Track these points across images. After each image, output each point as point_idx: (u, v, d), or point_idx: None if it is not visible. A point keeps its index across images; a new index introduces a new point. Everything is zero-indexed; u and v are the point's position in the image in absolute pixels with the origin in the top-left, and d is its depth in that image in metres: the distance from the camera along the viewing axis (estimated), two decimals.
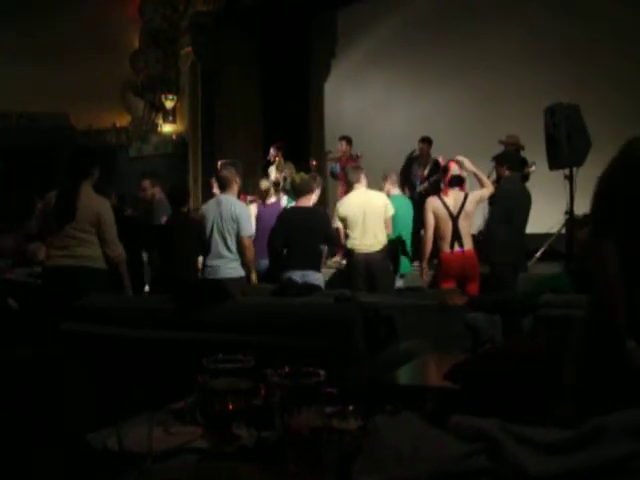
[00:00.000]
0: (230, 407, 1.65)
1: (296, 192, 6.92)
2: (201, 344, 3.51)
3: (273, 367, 1.58)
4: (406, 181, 9.91)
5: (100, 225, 5.46)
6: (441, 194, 6.77)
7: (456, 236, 6.57)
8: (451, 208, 6.61)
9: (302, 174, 8.80)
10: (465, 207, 6.60)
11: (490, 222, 7.33)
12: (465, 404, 2.11)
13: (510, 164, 7.30)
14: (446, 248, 6.63)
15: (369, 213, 6.93)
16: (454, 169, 6.82)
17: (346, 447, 1.37)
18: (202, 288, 4.19)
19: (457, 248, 6.58)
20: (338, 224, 7.13)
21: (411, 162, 10.09)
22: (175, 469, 1.54)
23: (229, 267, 6.47)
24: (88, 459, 1.63)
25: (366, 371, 3.20)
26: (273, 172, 10.71)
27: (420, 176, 9.91)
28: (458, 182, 6.77)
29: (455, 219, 6.58)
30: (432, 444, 0.88)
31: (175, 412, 1.85)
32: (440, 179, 9.40)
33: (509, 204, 6.95)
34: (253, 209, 7.86)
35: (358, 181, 7.09)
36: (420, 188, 9.82)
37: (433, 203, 6.73)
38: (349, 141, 10.55)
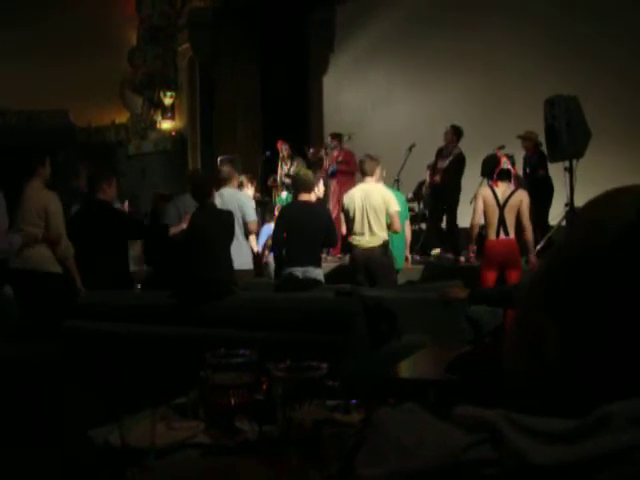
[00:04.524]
0: (232, 401, 1.65)
1: (296, 187, 6.87)
2: (203, 339, 3.51)
3: (275, 361, 1.57)
4: (433, 174, 9.74)
5: (47, 218, 5.38)
6: (492, 184, 6.91)
7: (502, 224, 6.76)
8: (500, 198, 6.78)
9: (304, 169, 8.80)
10: (511, 200, 6.76)
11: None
12: (467, 396, 2.10)
13: (483, 173, 7.41)
14: (492, 235, 6.82)
15: (368, 208, 6.84)
16: (504, 163, 6.94)
17: (348, 440, 1.37)
18: (203, 284, 4.19)
19: (502, 236, 6.77)
20: (342, 216, 7.18)
21: (439, 154, 9.81)
22: (178, 464, 1.54)
23: (241, 258, 6.47)
24: (90, 455, 1.63)
25: (368, 365, 3.20)
26: (280, 168, 10.77)
27: (439, 167, 9.55)
28: (507, 176, 6.92)
29: (502, 208, 6.75)
30: (435, 435, 0.88)
31: (177, 407, 1.85)
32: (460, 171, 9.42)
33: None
34: None
35: (371, 174, 7.01)
36: (433, 179, 9.61)
37: (484, 191, 6.92)
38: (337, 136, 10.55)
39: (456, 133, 9.57)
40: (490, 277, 6.71)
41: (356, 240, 6.94)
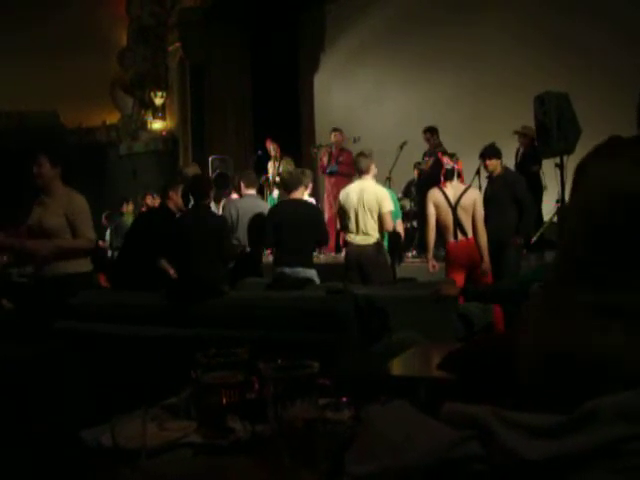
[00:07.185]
0: (224, 401, 1.65)
1: (285, 187, 6.84)
2: (195, 339, 3.51)
3: (266, 360, 1.57)
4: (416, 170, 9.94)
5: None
6: (441, 185, 6.78)
7: (458, 225, 6.64)
8: (450, 199, 6.66)
9: (290, 168, 8.80)
10: (463, 200, 6.63)
11: None
12: (459, 393, 2.11)
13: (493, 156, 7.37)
14: (450, 238, 6.71)
15: (362, 207, 6.81)
16: (447, 163, 6.83)
17: (340, 438, 1.37)
18: (193, 284, 4.18)
19: (461, 237, 6.65)
20: (338, 212, 7.13)
21: (425, 154, 10.00)
22: (169, 464, 1.53)
23: None
24: (82, 456, 1.62)
25: (360, 362, 3.20)
26: (271, 167, 10.75)
27: (424, 167, 9.79)
28: (451, 175, 6.77)
29: (454, 209, 6.63)
30: (425, 432, 0.88)
31: (169, 407, 1.85)
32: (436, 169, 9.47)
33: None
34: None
35: (367, 171, 6.91)
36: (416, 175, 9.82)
37: (434, 194, 6.78)
38: (341, 132, 10.57)
39: (431, 133, 9.72)
40: (458, 279, 6.49)
41: (350, 237, 6.93)
